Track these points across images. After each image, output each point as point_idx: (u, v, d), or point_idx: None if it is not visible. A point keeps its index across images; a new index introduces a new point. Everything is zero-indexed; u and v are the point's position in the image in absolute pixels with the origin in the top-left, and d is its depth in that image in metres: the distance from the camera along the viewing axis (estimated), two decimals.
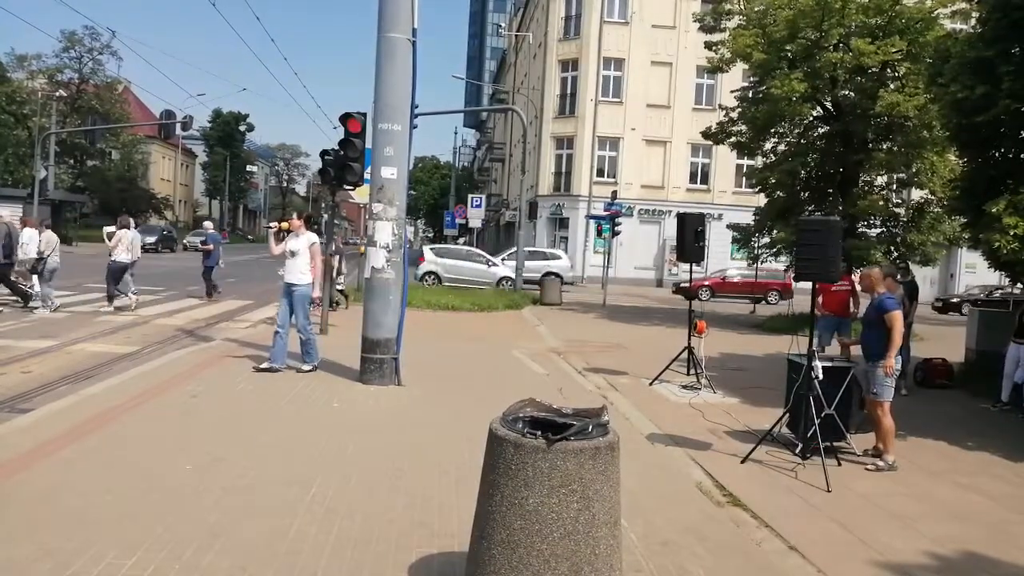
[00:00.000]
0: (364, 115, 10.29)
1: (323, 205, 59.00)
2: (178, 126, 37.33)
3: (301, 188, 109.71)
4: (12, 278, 13.33)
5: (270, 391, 7.51)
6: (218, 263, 17.35)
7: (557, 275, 25.69)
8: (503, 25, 61.20)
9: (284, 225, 8.59)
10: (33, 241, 13.38)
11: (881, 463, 6.30)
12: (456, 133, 50.71)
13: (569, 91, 37.77)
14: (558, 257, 30.99)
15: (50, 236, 13.69)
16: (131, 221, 14.79)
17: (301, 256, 8.36)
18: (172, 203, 66.32)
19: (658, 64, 36.78)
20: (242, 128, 78.29)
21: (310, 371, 8.41)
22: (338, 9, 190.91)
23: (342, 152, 10.67)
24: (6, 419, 6.08)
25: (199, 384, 7.60)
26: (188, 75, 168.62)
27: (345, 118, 10.38)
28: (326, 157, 11.25)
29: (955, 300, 28.02)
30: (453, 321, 15.62)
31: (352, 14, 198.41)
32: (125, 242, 14.06)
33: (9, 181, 47.15)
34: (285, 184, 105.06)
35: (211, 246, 17.13)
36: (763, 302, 26.60)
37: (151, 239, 41.63)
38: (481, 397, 7.79)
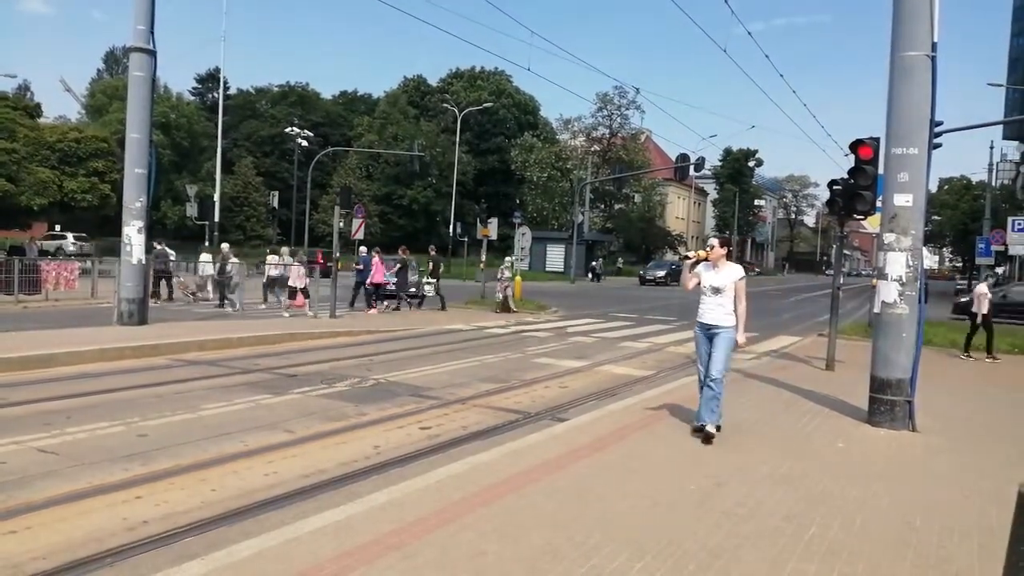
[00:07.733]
0: (876, 140, 9.77)
1: (832, 236, 56.65)
2: (691, 168, 40.02)
3: (810, 219, 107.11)
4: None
5: (767, 422, 7.54)
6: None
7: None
8: None
9: (701, 255, 6.94)
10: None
11: None
12: (992, 148, 43.82)
13: None
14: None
15: (233, 259, 18.48)
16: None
17: (726, 293, 6.71)
18: (685, 239, 71.12)
19: None
20: (751, 163, 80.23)
21: (714, 431, 6.72)
22: (845, 30, 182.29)
23: (852, 180, 10.35)
24: (546, 426, 7.32)
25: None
26: (700, 119, 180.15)
27: (855, 145, 10.02)
28: (834, 187, 11.06)
29: None
30: (989, 366, 13.49)
31: (863, 36, 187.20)
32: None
33: (555, 225, 56.44)
34: (793, 216, 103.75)
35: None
36: None
37: (660, 272, 45.68)
38: (1017, 455, 6.64)
